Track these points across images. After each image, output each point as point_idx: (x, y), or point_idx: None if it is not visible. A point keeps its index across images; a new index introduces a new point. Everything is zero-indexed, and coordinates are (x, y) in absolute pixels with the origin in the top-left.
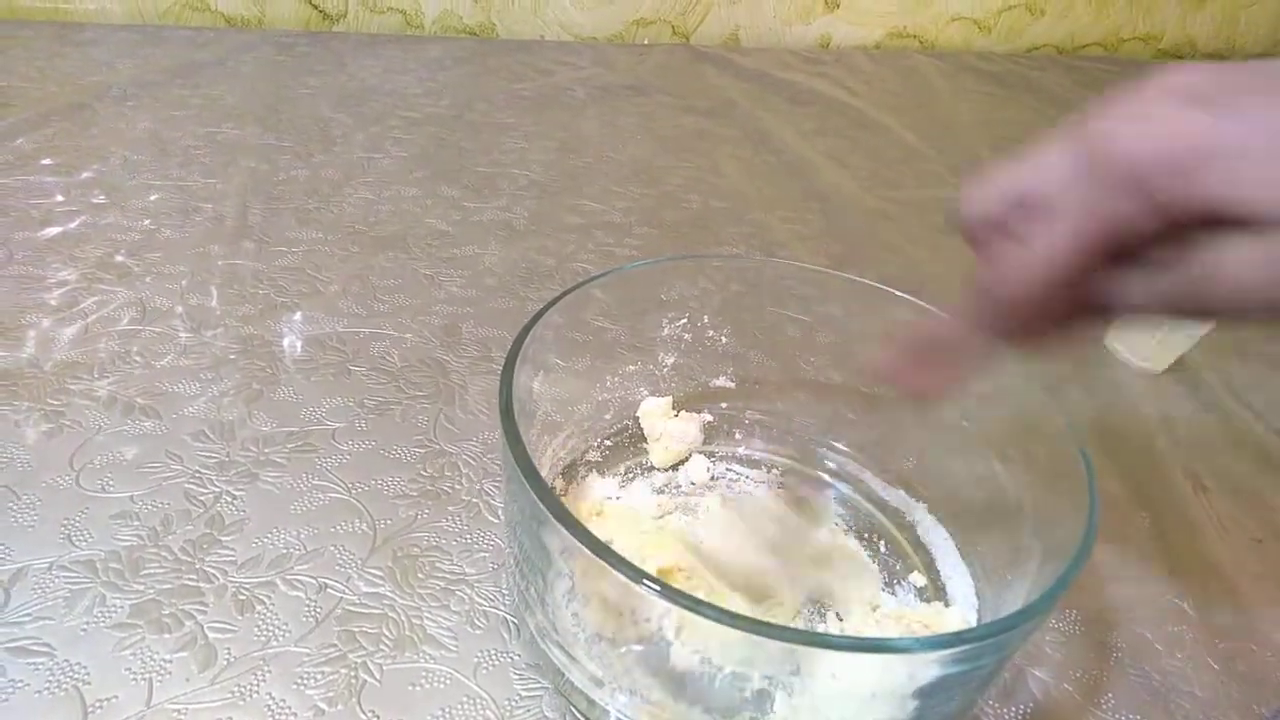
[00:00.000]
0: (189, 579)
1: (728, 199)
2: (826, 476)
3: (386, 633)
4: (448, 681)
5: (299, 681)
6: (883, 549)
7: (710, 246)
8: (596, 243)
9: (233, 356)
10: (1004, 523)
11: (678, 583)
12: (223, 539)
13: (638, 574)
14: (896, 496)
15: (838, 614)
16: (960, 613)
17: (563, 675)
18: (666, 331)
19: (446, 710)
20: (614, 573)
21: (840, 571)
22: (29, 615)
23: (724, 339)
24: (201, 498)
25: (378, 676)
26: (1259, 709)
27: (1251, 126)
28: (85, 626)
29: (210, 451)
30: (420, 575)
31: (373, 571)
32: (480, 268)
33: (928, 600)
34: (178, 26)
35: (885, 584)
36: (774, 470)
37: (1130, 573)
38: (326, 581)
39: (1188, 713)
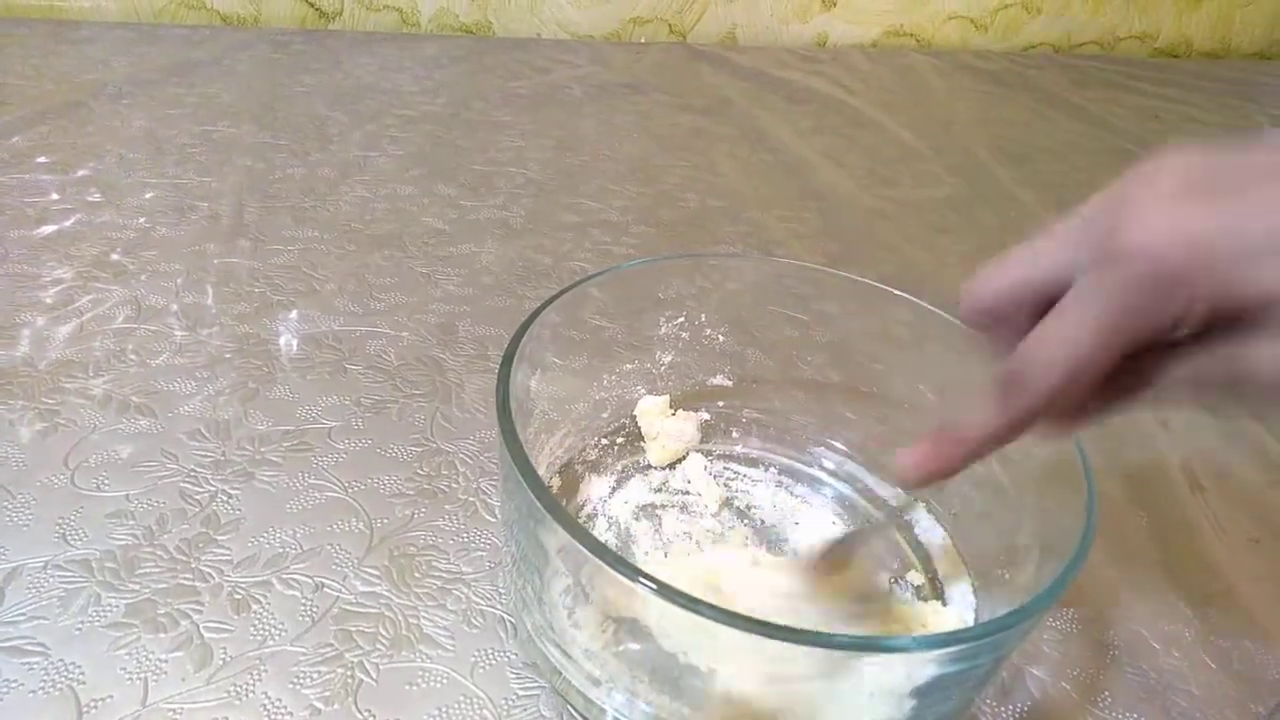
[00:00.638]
0: (184, 578)
1: (725, 197)
2: (825, 475)
3: (383, 632)
4: (444, 681)
5: (295, 681)
6: (880, 548)
7: (707, 245)
8: (593, 241)
9: (228, 355)
10: (1002, 522)
11: None
12: (218, 538)
13: (634, 572)
14: (894, 495)
15: None
16: (957, 611)
17: (560, 674)
18: (664, 330)
19: (443, 710)
20: (611, 572)
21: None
22: (23, 615)
23: (721, 337)
24: (197, 497)
25: (374, 676)
26: (1255, 707)
27: (1247, 222)
28: (80, 626)
29: (206, 450)
30: (417, 574)
31: (369, 571)
32: (477, 266)
33: (925, 599)
34: (173, 24)
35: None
36: (771, 469)
37: (1127, 571)
38: (323, 581)
39: (1185, 711)
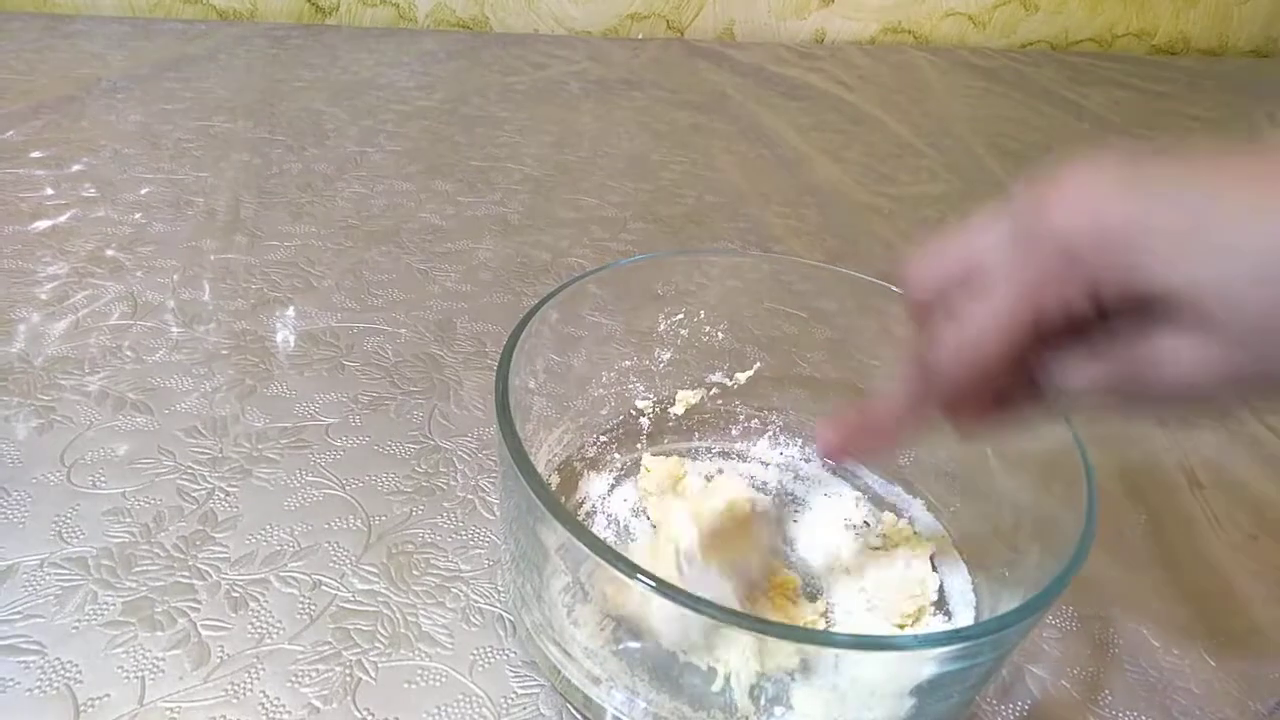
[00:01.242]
0: (182, 576)
1: (723, 194)
2: (824, 472)
3: (381, 630)
4: (443, 679)
5: (293, 679)
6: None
7: (706, 242)
8: (592, 238)
9: (225, 352)
10: (1001, 520)
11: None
12: (216, 535)
13: (633, 569)
14: (893, 493)
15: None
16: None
17: (559, 672)
18: (663, 327)
19: (442, 708)
20: (610, 569)
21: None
22: (19, 613)
23: (720, 334)
24: (194, 494)
25: (372, 674)
26: (1255, 705)
27: (1171, 210)
28: (77, 624)
29: (203, 447)
30: (415, 572)
31: (367, 568)
32: (475, 262)
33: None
34: (168, 19)
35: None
36: (770, 466)
37: (1127, 569)
38: (320, 578)
39: (1185, 708)
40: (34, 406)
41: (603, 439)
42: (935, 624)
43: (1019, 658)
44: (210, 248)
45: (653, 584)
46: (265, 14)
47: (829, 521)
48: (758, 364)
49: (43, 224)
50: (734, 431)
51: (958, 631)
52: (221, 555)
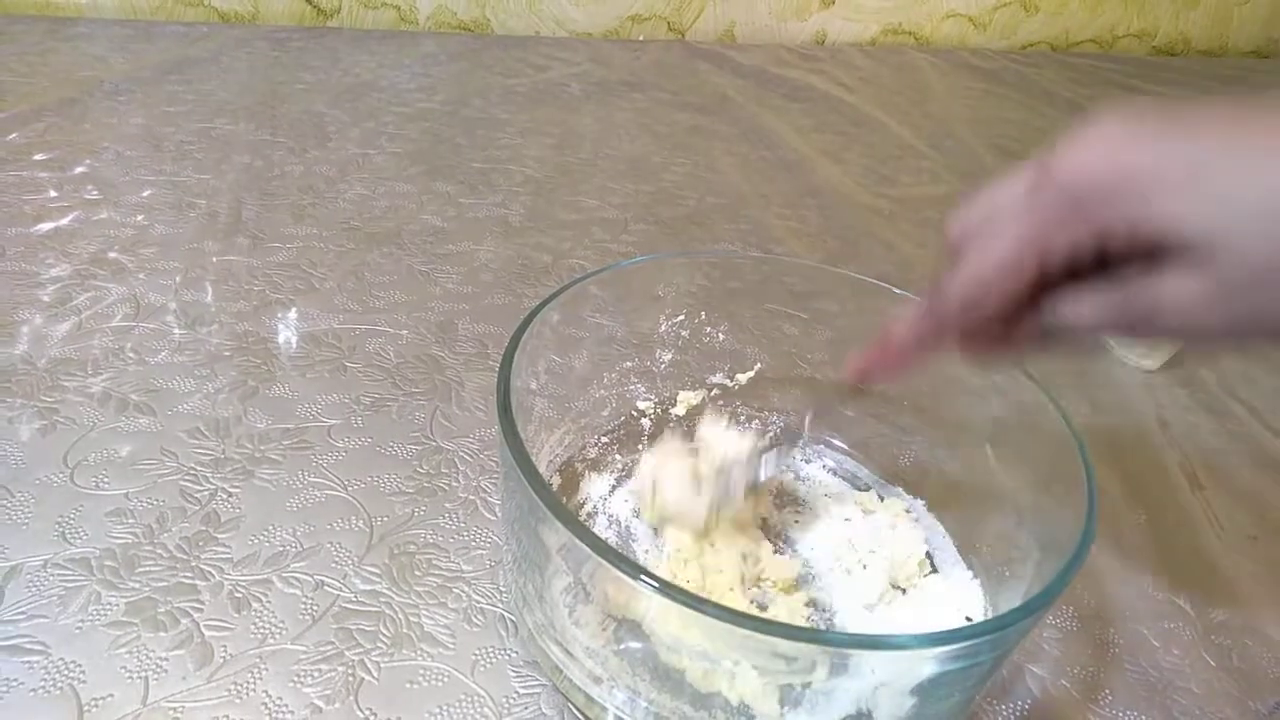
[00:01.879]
0: (185, 576)
1: (724, 195)
2: (824, 474)
3: (383, 630)
4: (445, 679)
5: (296, 679)
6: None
7: (707, 243)
8: (593, 239)
9: (227, 353)
10: (1002, 520)
11: None
12: (219, 536)
13: (635, 570)
14: (894, 493)
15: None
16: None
17: (561, 672)
18: (664, 328)
19: (444, 708)
20: (612, 570)
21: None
22: (23, 613)
23: (721, 335)
24: (197, 495)
25: (375, 674)
26: (1255, 704)
27: (1174, 158)
28: (80, 624)
29: (205, 449)
30: (417, 573)
31: (369, 569)
32: (476, 264)
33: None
34: (171, 21)
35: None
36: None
37: (1127, 569)
38: (323, 579)
39: (1184, 708)
40: (37, 408)
41: (604, 440)
42: (932, 582)
43: (1019, 657)
44: (212, 249)
45: (655, 584)
46: (267, 16)
47: (829, 521)
48: (758, 365)
49: (45, 226)
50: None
51: (958, 630)
52: (224, 556)
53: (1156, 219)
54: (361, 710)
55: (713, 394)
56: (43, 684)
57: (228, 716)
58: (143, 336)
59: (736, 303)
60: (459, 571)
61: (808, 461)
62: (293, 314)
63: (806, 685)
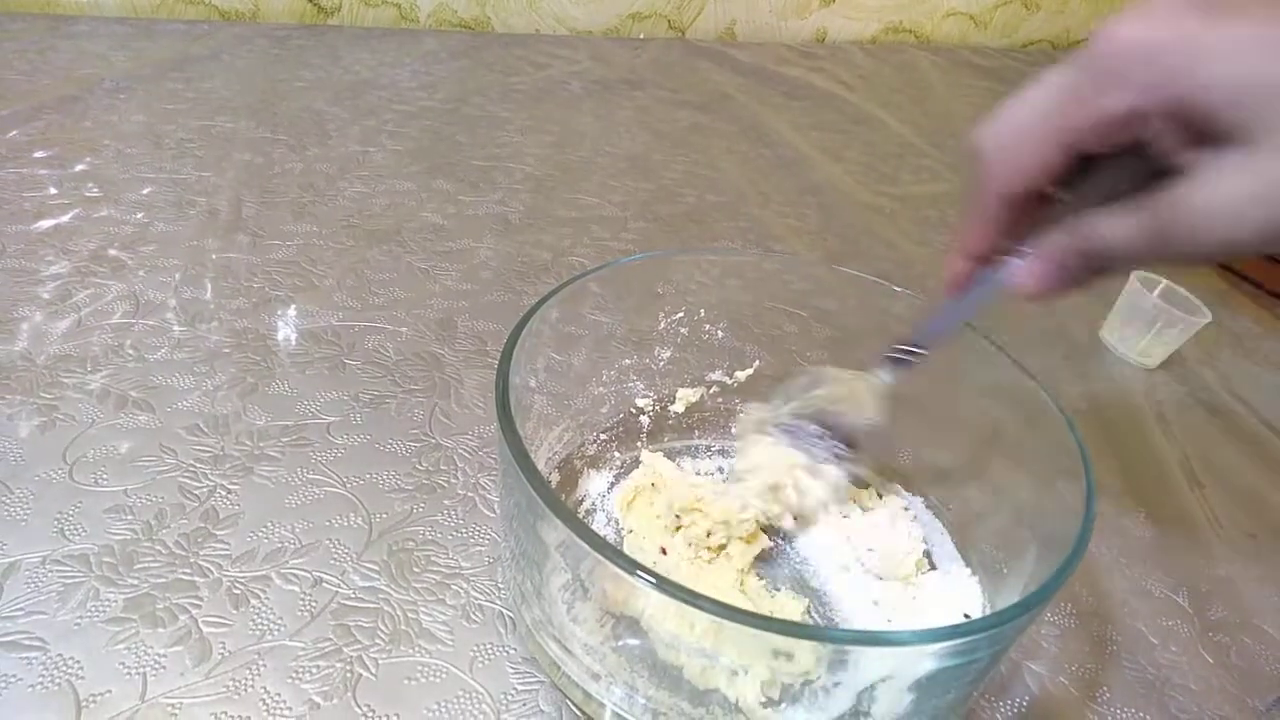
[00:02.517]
0: (183, 573)
1: (724, 193)
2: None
3: (382, 627)
4: (443, 675)
5: (294, 675)
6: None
7: (706, 241)
8: (592, 237)
9: (227, 350)
10: (1000, 517)
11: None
12: (217, 533)
13: (632, 565)
14: (892, 490)
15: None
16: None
17: (559, 669)
18: (663, 326)
19: (442, 704)
20: (611, 566)
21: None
22: (21, 610)
23: (720, 333)
24: (196, 491)
25: (373, 671)
26: (1253, 702)
27: (1227, 28)
28: (78, 621)
29: (204, 445)
30: (416, 569)
31: (368, 565)
32: (475, 261)
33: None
34: (171, 19)
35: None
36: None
37: (1125, 566)
38: (322, 575)
39: (1182, 705)
40: (36, 405)
41: (603, 437)
42: (930, 579)
43: (1017, 654)
44: (212, 247)
45: (652, 581)
46: (267, 14)
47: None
48: (757, 362)
49: (46, 223)
50: (733, 429)
51: (956, 627)
52: (223, 552)
53: (1202, 90)
54: (360, 706)
55: (712, 391)
56: (41, 680)
57: (226, 713)
58: (142, 333)
59: (736, 300)
60: (457, 568)
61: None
62: (292, 311)
63: (805, 682)
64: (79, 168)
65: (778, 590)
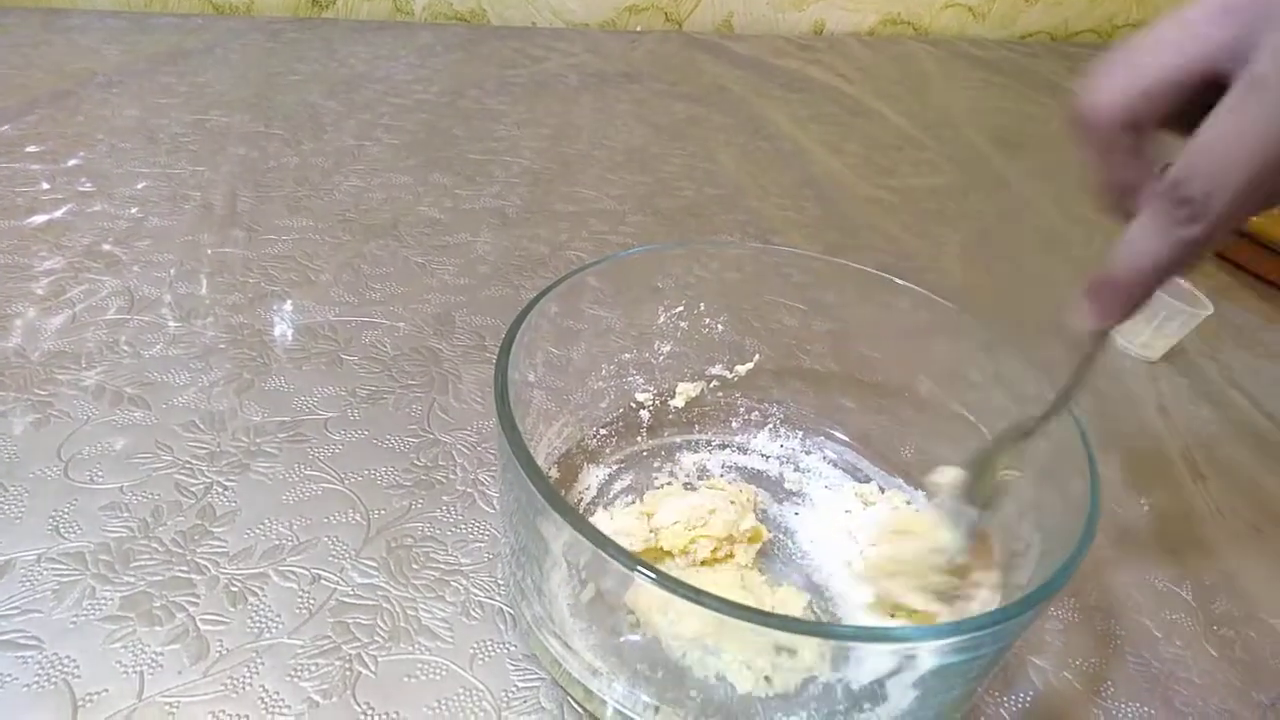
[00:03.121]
0: (180, 570)
1: (722, 186)
2: (825, 465)
3: (381, 624)
4: (443, 673)
5: (292, 673)
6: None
7: (705, 234)
8: (590, 230)
9: (223, 346)
10: (1004, 511)
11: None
12: (214, 530)
13: (632, 561)
14: (895, 485)
15: None
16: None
17: (559, 665)
18: (662, 319)
19: (442, 702)
20: (611, 562)
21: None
22: (16, 608)
23: (720, 327)
24: (192, 488)
25: (372, 668)
26: (1258, 695)
27: None
28: (75, 619)
29: (201, 442)
30: (415, 566)
31: (367, 562)
32: (473, 255)
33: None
34: (165, 13)
35: None
36: (771, 459)
37: (1128, 560)
38: (320, 572)
39: (1187, 699)
40: (31, 401)
41: (602, 432)
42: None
43: (1021, 649)
44: (207, 242)
45: (652, 576)
46: (262, 8)
47: (829, 513)
48: (757, 356)
49: (39, 219)
50: (734, 424)
51: (959, 624)
52: (220, 550)
53: None
54: (359, 704)
55: (712, 385)
56: (37, 679)
57: (224, 711)
58: (137, 329)
59: (735, 294)
60: (457, 564)
61: (808, 453)
62: (288, 306)
63: (808, 677)
64: (72, 162)
65: (780, 585)
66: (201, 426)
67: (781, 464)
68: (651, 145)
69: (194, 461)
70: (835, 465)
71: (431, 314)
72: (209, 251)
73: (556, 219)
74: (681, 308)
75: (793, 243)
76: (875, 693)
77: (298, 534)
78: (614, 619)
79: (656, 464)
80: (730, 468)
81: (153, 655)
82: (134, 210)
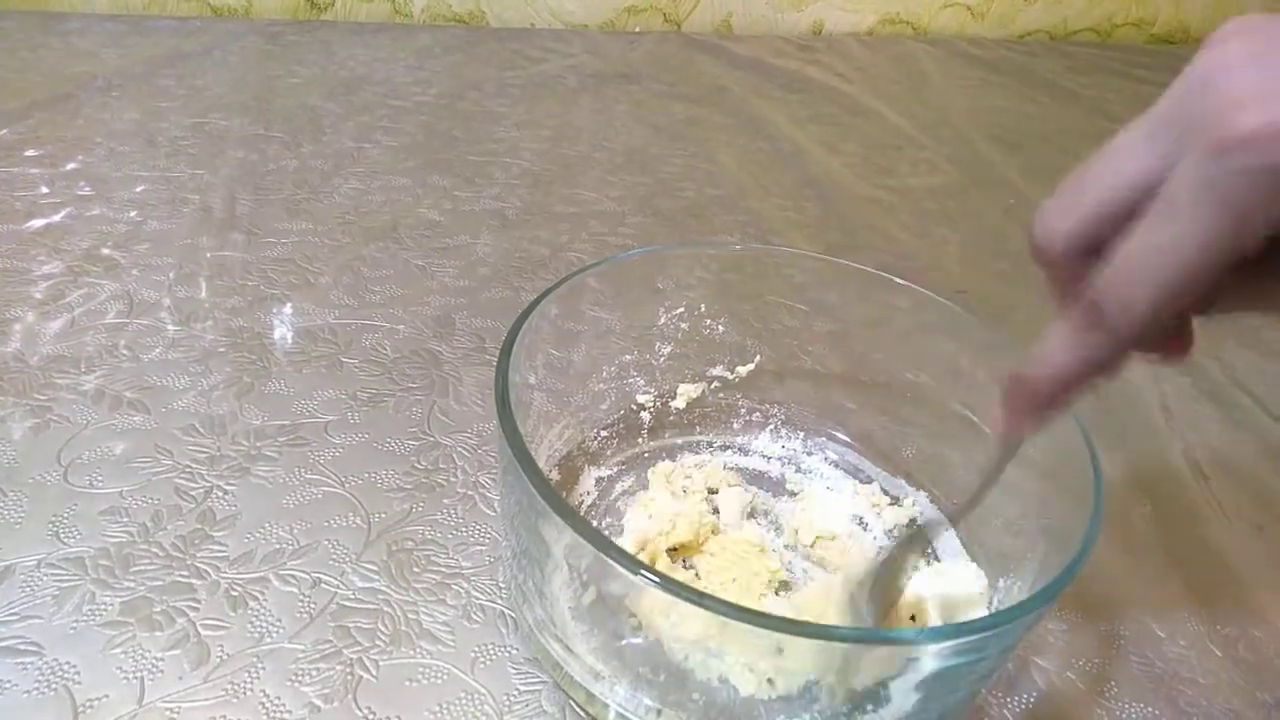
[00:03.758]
0: (180, 575)
1: (722, 187)
2: (828, 466)
3: (382, 628)
4: (445, 676)
5: (294, 678)
6: (884, 539)
7: (705, 235)
8: (590, 232)
9: (222, 349)
10: (1007, 512)
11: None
12: (214, 534)
13: (636, 565)
14: (897, 486)
15: None
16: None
17: (561, 669)
18: (663, 321)
19: (444, 706)
20: (613, 565)
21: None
22: (16, 614)
23: (721, 328)
24: (192, 493)
25: (374, 672)
26: (1262, 695)
27: None
28: (75, 625)
29: (201, 446)
30: (416, 569)
31: (367, 566)
32: (473, 258)
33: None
34: (163, 16)
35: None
36: (773, 460)
37: (1132, 560)
38: (320, 576)
39: (1191, 700)
40: (30, 406)
41: (604, 434)
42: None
43: (1024, 650)
44: (206, 245)
45: (655, 580)
46: (260, 10)
47: (831, 515)
48: (759, 357)
49: (38, 222)
50: (735, 425)
51: (962, 626)
52: (220, 554)
53: None
54: (360, 709)
55: (713, 386)
56: (37, 685)
57: (225, 716)
58: (136, 333)
59: (736, 295)
60: (458, 568)
61: (810, 454)
62: (288, 309)
63: (810, 680)
64: (71, 166)
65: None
66: (201, 430)
67: (783, 465)
68: (651, 146)
69: (194, 465)
70: (837, 466)
71: (431, 316)
72: (208, 255)
73: (556, 220)
74: (682, 309)
75: (793, 243)
76: (878, 695)
77: (298, 538)
78: (616, 622)
79: (658, 466)
80: (732, 469)
81: (153, 661)
82: (133, 214)
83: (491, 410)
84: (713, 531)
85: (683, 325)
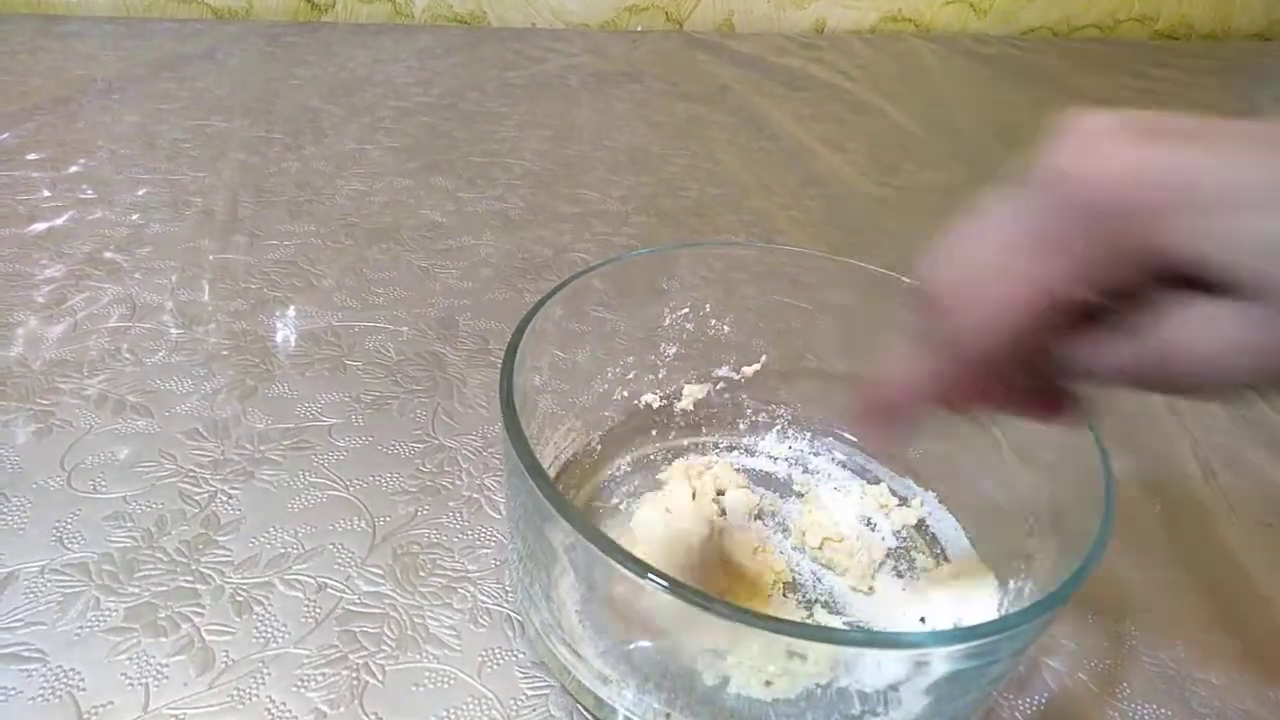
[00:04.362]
0: (185, 580)
1: (725, 186)
2: (834, 467)
3: (388, 632)
4: (451, 681)
5: (299, 684)
6: (892, 540)
7: (709, 234)
8: (594, 232)
9: (225, 352)
10: (1016, 513)
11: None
12: (219, 539)
13: (643, 569)
14: (905, 486)
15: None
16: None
17: (569, 673)
18: (668, 321)
19: (451, 711)
20: (620, 568)
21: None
22: (20, 620)
23: (726, 328)
24: (196, 497)
25: (380, 677)
26: (1275, 694)
27: (1203, 173)
28: (79, 631)
29: (204, 450)
30: (421, 573)
31: (373, 570)
32: (476, 259)
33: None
34: (163, 18)
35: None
36: (779, 460)
37: (1142, 559)
38: (326, 581)
39: (1204, 699)
40: (33, 411)
41: (609, 435)
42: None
43: (1035, 651)
44: (209, 248)
45: (664, 584)
46: (261, 12)
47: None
48: (764, 357)
49: (39, 226)
50: (741, 425)
51: (973, 629)
52: (225, 559)
53: (1183, 243)
54: (367, 714)
55: (719, 387)
56: (41, 692)
57: None
58: (139, 337)
59: (741, 295)
60: (464, 571)
61: (816, 454)
62: (291, 312)
63: (819, 684)
64: (72, 169)
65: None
66: (205, 434)
67: (790, 465)
68: (653, 145)
69: (198, 470)
70: (844, 466)
71: (435, 318)
72: (210, 258)
73: (559, 221)
74: (687, 309)
75: (797, 242)
76: (888, 698)
77: (303, 542)
78: (623, 625)
79: (664, 467)
80: (739, 470)
81: (158, 667)
82: (135, 217)
83: (496, 412)
84: (720, 532)
85: (688, 326)
